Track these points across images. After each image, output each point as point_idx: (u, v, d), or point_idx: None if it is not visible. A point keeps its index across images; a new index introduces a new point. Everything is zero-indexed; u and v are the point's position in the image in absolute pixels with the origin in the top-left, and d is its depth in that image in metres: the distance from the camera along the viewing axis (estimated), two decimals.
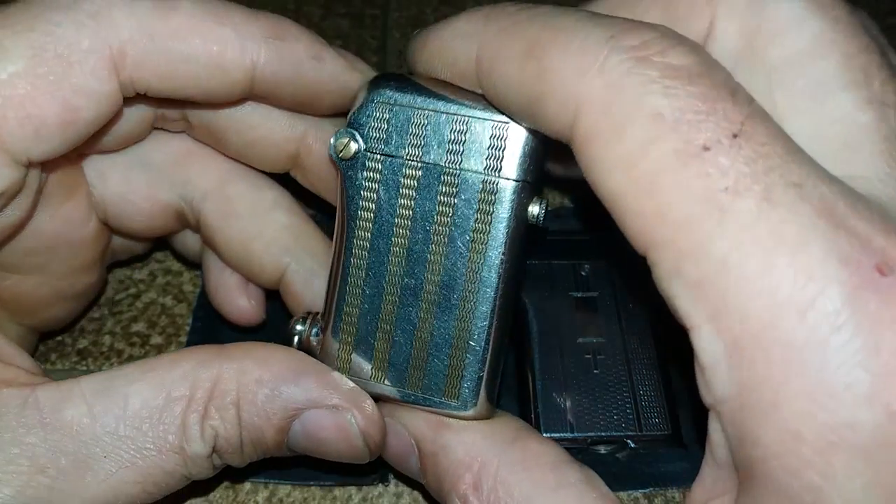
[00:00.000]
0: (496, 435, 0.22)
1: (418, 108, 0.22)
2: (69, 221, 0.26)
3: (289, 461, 0.27)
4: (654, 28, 0.18)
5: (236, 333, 0.30)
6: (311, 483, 0.27)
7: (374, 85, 0.22)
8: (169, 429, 0.21)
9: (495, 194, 0.21)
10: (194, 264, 0.32)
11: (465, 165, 0.21)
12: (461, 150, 0.21)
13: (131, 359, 0.30)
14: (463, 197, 0.22)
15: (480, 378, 0.22)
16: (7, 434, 0.20)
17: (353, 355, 0.23)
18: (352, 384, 0.23)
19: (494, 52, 0.20)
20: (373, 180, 0.22)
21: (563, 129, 0.18)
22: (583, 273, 0.31)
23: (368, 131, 0.22)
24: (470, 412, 0.22)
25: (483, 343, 0.22)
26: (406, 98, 0.22)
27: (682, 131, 0.16)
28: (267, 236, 0.27)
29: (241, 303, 0.29)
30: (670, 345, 0.30)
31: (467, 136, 0.21)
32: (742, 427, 0.16)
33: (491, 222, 0.21)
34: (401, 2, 0.45)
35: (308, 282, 0.27)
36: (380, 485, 0.27)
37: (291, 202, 0.28)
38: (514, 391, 0.29)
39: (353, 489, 0.27)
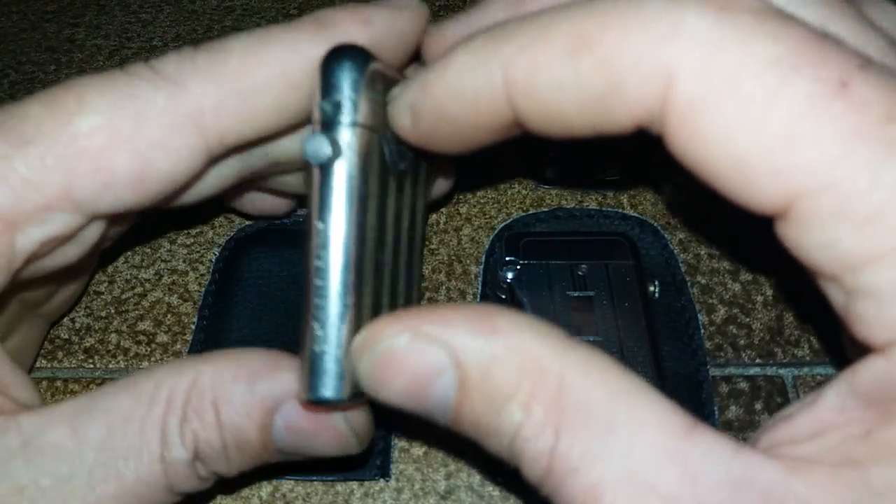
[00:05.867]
0: (551, 336, 0.19)
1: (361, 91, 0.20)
2: None
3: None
4: None
5: (242, 332, 0.30)
6: (314, 478, 0.27)
7: (331, 65, 0.21)
8: (151, 436, 0.21)
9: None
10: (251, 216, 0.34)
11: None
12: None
13: (138, 357, 0.31)
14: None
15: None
16: None
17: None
18: None
19: (528, 65, 0.18)
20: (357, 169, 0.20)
21: (648, 114, 0.17)
22: (580, 273, 0.31)
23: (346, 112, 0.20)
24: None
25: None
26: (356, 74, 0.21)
27: (811, 72, 0.15)
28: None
29: (268, 198, 0.30)
30: (665, 341, 0.31)
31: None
32: None
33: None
34: None
35: None
36: (381, 480, 0.27)
37: None
38: None
39: (354, 484, 0.27)
